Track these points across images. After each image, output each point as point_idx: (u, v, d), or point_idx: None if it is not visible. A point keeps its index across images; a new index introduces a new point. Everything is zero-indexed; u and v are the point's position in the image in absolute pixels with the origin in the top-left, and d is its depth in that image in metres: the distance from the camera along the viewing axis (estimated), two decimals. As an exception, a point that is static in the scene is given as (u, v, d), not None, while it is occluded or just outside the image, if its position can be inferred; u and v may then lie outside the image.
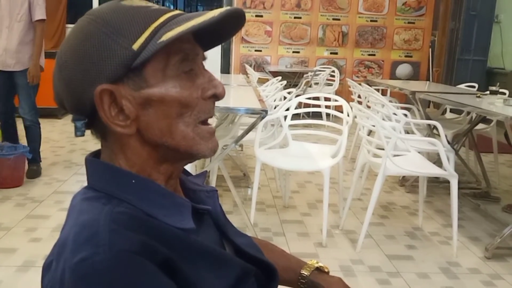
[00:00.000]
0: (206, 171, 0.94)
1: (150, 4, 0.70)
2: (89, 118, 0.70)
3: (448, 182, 2.73)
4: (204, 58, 0.74)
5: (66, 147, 4.84)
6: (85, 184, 0.72)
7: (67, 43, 0.69)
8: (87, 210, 0.65)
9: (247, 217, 2.92)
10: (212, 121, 0.74)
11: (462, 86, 5.21)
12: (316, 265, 0.95)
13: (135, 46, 0.64)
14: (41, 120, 5.74)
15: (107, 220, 0.61)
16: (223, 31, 0.73)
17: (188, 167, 0.86)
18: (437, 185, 3.91)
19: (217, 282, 0.67)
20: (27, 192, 3.50)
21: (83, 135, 0.74)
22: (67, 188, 3.60)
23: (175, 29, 0.64)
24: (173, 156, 0.70)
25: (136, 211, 0.65)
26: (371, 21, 7.48)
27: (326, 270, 0.95)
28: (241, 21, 0.71)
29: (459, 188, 2.73)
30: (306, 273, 0.93)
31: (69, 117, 0.73)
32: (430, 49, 7.61)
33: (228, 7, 0.68)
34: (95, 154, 0.74)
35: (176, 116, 0.67)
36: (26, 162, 3.78)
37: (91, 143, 0.72)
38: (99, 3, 7.05)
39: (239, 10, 0.69)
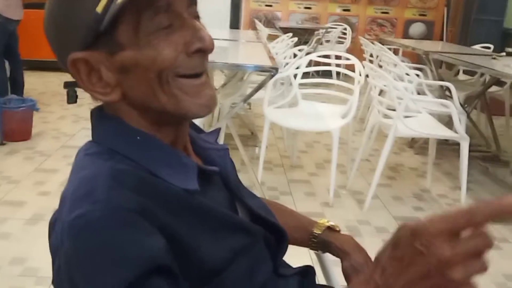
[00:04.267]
0: (219, 128, 0.90)
1: None
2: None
3: (458, 144, 2.70)
4: (192, 3, 0.66)
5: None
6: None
7: (45, 8, 0.66)
8: (88, 165, 0.63)
9: (254, 175, 2.91)
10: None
11: (477, 47, 5.08)
12: (327, 224, 0.94)
13: (99, 8, 0.59)
14: (48, 74, 5.72)
15: (106, 177, 0.59)
16: None
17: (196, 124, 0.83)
18: (446, 147, 3.87)
19: (221, 246, 0.66)
20: (35, 146, 3.51)
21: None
22: (75, 142, 3.61)
23: None
24: (166, 118, 0.66)
25: (138, 168, 0.63)
26: (385, -23, 7.26)
27: (337, 229, 0.95)
28: None
29: (469, 151, 2.69)
30: (318, 232, 0.93)
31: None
32: (446, 8, 7.40)
33: None
34: (102, 107, 0.71)
35: (156, 77, 0.62)
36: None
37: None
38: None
39: None
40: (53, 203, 0.64)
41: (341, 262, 0.88)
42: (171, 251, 0.58)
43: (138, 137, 0.66)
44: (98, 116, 0.69)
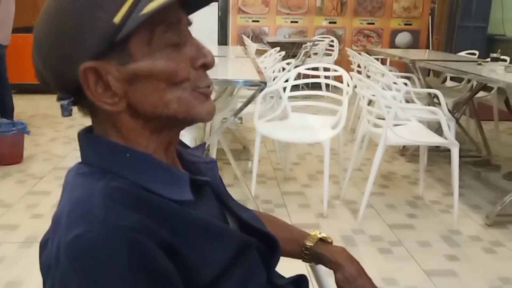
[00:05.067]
0: (205, 142, 0.91)
1: None
2: (74, 96, 0.67)
3: (449, 150, 2.72)
4: (189, 24, 0.70)
5: (64, 123, 4.81)
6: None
7: (42, 22, 0.65)
8: (80, 185, 0.63)
9: (248, 189, 2.91)
10: (211, 94, 0.72)
11: (463, 53, 5.15)
12: (319, 235, 0.94)
13: (116, 19, 0.60)
14: (37, 97, 5.73)
15: (101, 196, 0.59)
16: None
17: (187, 141, 0.84)
18: (438, 153, 3.90)
19: (217, 257, 0.66)
20: (27, 169, 3.49)
21: (70, 114, 0.72)
22: (66, 164, 3.59)
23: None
24: (169, 124, 0.68)
25: (131, 185, 0.63)
26: (370, -12, 7.36)
27: (329, 241, 0.95)
28: None
29: (460, 157, 2.72)
30: (309, 244, 0.93)
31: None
32: (430, 17, 7.51)
33: None
34: (88, 129, 0.71)
35: (167, 87, 0.65)
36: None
37: (90, 118, 0.70)
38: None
39: None
40: (46, 226, 0.64)
41: (334, 274, 0.88)
42: (173, 267, 0.58)
43: (127, 154, 0.66)
44: (85, 137, 0.69)
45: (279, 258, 0.82)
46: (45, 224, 0.63)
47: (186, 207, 0.65)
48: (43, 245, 0.63)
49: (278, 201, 3.04)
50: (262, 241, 0.77)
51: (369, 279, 0.87)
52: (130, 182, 0.63)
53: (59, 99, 0.70)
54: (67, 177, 0.69)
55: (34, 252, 2.33)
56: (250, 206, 0.88)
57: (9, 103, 4.34)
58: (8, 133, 3.52)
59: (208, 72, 0.71)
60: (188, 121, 0.69)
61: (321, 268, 0.99)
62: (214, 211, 0.74)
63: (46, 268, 0.61)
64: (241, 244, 0.71)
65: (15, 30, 4.54)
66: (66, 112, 0.72)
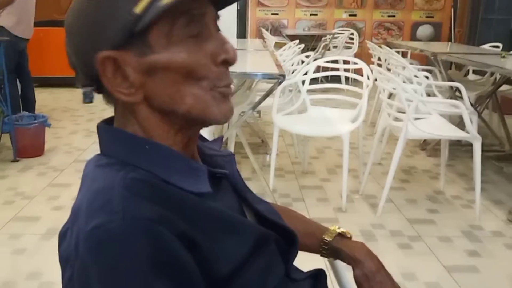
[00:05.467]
0: (222, 136, 0.91)
1: None
2: (98, 84, 0.67)
3: (471, 145, 2.67)
4: (217, 17, 0.69)
5: (84, 116, 4.86)
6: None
7: (73, 5, 0.66)
8: (100, 177, 0.63)
9: (266, 183, 2.91)
10: (231, 93, 0.71)
11: (486, 46, 5.05)
12: (338, 230, 0.93)
13: (138, 9, 0.60)
14: (58, 90, 5.81)
15: (120, 187, 0.59)
16: None
17: (206, 134, 0.83)
18: (459, 148, 3.84)
19: (235, 250, 0.65)
20: (48, 161, 3.54)
21: (91, 101, 0.72)
22: (87, 156, 3.62)
23: None
24: (185, 122, 0.67)
25: (150, 177, 0.63)
26: (390, -20, 7.26)
27: (348, 236, 0.93)
28: None
29: (482, 151, 2.66)
30: (328, 239, 0.91)
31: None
32: (452, 9, 7.37)
33: None
34: (108, 121, 0.72)
35: (184, 81, 0.64)
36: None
37: (109, 111, 0.70)
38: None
39: None
40: (67, 217, 0.64)
41: (353, 270, 0.86)
42: (192, 259, 0.58)
43: (146, 146, 0.66)
44: (104, 129, 0.69)
45: (297, 252, 0.81)
46: (65, 216, 0.63)
47: (205, 199, 0.65)
48: (62, 236, 0.63)
49: (296, 195, 3.02)
50: (279, 235, 0.77)
51: (389, 275, 0.85)
52: (149, 174, 0.63)
53: (82, 86, 0.71)
54: (86, 168, 0.69)
55: (55, 244, 2.35)
56: (268, 199, 0.87)
57: (31, 97, 4.40)
58: (30, 126, 3.58)
59: None
60: (202, 121, 0.67)
61: (340, 263, 0.98)
62: (232, 204, 0.74)
63: (65, 258, 0.61)
64: (259, 237, 0.70)
65: (37, 24, 4.60)
66: (87, 99, 0.72)
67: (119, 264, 0.54)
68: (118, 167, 0.63)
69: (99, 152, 0.70)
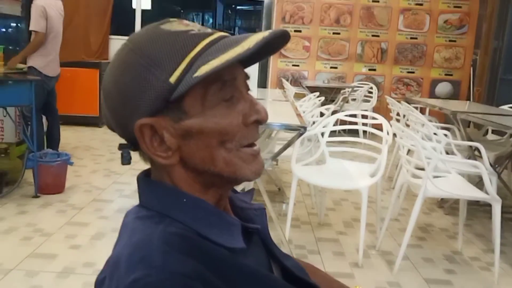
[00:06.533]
0: (254, 188, 0.94)
1: (189, 27, 0.69)
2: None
3: (489, 205, 2.65)
4: (247, 77, 0.72)
5: (106, 156, 4.95)
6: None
7: (109, 73, 0.70)
8: (140, 229, 0.66)
9: (282, 233, 2.90)
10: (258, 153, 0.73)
11: (505, 107, 5.07)
12: None
13: (172, 79, 0.64)
14: (81, 128, 5.94)
15: (160, 241, 0.62)
16: (264, 49, 0.70)
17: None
18: (477, 208, 3.80)
19: None
20: (68, 199, 3.59)
21: (129, 163, 0.75)
22: (106, 196, 3.68)
23: (210, 62, 0.63)
24: (218, 181, 0.70)
25: (187, 231, 0.65)
26: (411, 38, 7.41)
27: None
28: (285, 38, 0.69)
29: (501, 213, 2.64)
30: None
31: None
32: (472, 68, 7.46)
33: (267, 32, 0.65)
34: (146, 173, 0.75)
35: (217, 145, 0.67)
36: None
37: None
38: (142, 18, 7.23)
39: (277, 34, 0.66)
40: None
41: None
42: None
43: (184, 199, 0.69)
44: (144, 181, 0.73)
45: None
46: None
47: (238, 255, 0.67)
48: (99, 283, 0.65)
49: (312, 247, 3.01)
50: None
51: None
52: (186, 227, 0.66)
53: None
54: (126, 218, 0.72)
55: (70, 283, 2.38)
56: (284, 250, 0.88)
57: (56, 134, 4.51)
58: (53, 163, 3.65)
59: None
60: (234, 181, 0.71)
61: None
62: (262, 260, 0.76)
63: None
64: None
65: (66, 64, 4.78)
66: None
67: None
68: (157, 219, 0.66)
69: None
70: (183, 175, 0.70)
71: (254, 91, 5.80)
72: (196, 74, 0.63)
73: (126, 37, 0.72)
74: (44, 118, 4.46)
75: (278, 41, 0.70)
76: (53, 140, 4.45)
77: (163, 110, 0.66)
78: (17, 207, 3.38)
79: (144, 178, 0.73)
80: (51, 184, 3.64)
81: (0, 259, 2.57)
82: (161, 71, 0.64)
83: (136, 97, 0.66)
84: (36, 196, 3.56)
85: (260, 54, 0.71)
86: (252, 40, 0.64)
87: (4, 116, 3.93)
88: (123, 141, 0.74)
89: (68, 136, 5.60)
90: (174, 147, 0.67)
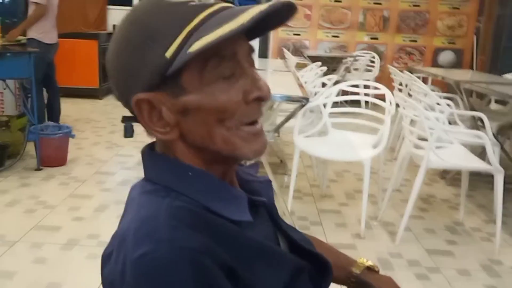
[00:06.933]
0: (259, 161, 0.93)
1: None
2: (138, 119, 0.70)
3: (491, 176, 2.65)
4: (251, 51, 0.69)
5: (107, 128, 4.94)
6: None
7: (111, 45, 0.69)
8: (146, 204, 0.65)
9: (284, 205, 2.91)
10: (261, 130, 0.71)
11: (509, 75, 5.02)
12: (367, 264, 0.94)
13: (168, 53, 0.62)
14: (82, 100, 5.93)
15: (166, 216, 0.61)
16: (269, 20, 0.66)
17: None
18: (480, 178, 3.80)
19: (272, 281, 0.67)
20: (70, 172, 3.59)
21: (131, 136, 0.75)
22: (108, 169, 3.68)
23: (204, 38, 0.60)
24: (219, 158, 0.69)
25: (193, 204, 0.64)
26: (413, 5, 7.29)
27: (376, 269, 0.94)
28: (291, 9, 0.66)
29: (504, 183, 2.64)
30: (357, 272, 0.92)
31: (110, 97, 0.74)
32: (475, 36, 7.36)
33: (265, 5, 0.61)
34: (151, 146, 0.74)
35: (215, 122, 0.65)
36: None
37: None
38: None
39: (276, 7, 0.62)
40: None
41: None
42: None
43: (189, 173, 0.68)
44: (149, 155, 0.72)
45: (330, 282, 0.82)
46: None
47: (244, 228, 0.66)
48: (106, 259, 0.65)
49: (314, 218, 3.02)
50: (312, 264, 0.78)
51: None
52: (192, 201, 0.65)
53: (123, 121, 0.74)
54: (131, 193, 0.71)
55: (74, 255, 2.40)
56: (286, 222, 0.89)
57: (56, 107, 4.49)
58: (55, 136, 3.64)
59: None
60: (233, 159, 0.69)
61: None
62: (268, 232, 0.75)
63: (109, 283, 0.63)
64: (295, 268, 0.71)
65: (64, 36, 4.71)
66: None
67: None
68: (163, 193, 0.65)
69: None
70: (185, 151, 0.69)
71: (255, 61, 5.73)
72: (190, 50, 0.61)
73: (124, 7, 0.69)
74: (44, 91, 4.43)
75: (283, 13, 0.66)
76: (54, 113, 4.44)
77: (161, 86, 0.64)
78: (19, 179, 3.39)
79: (148, 152, 0.72)
80: (53, 157, 3.64)
81: (4, 231, 2.59)
82: (158, 45, 0.63)
83: (134, 71, 0.65)
84: (38, 169, 3.56)
85: (266, 26, 0.68)
86: (250, 13, 0.61)
87: (4, 89, 3.90)
88: (126, 113, 0.73)
89: (69, 108, 5.57)
90: (172, 123, 0.66)
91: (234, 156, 0.68)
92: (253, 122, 0.68)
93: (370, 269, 0.93)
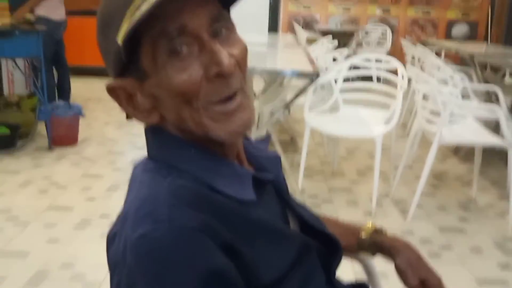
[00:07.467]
0: (270, 136, 0.92)
1: None
2: None
3: (505, 151, 2.61)
4: (215, 20, 0.62)
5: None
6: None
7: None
8: (147, 183, 0.64)
9: (295, 183, 2.91)
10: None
11: (525, 48, 4.91)
12: (374, 227, 0.96)
13: (119, 39, 0.60)
14: (92, 80, 5.93)
15: (167, 195, 0.60)
16: None
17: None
18: (493, 154, 3.75)
19: (278, 260, 0.66)
20: (82, 151, 3.61)
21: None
22: (119, 148, 3.70)
23: (130, 19, 0.58)
24: (205, 139, 0.65)
25: (196, 182, 0.63)
26: (427, -24, 7.12)
27: (383, 232, 0.96)
28: None
29: (517, 159, 2.60)
30: (366, 235, 0.94)
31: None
32: (490, 8, 7.18)
33: None
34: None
35: (182, 104, 0.62)
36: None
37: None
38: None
39: None
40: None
41: (394, 259, 0.88)
42: (234, 268, 0.59)
43: (192, 150, 0.66)
44: (152, 133, 0.70)
45: (340, 260, 0.82)
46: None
47: (248, 206, 0.65)
48: (110, 240, 0.65)
49: (325, 196, 3.02)
50: (321, 243, 0.77)
51: (429, 263, 0.89)
52: (195, 179, 0.64)
53: None
54: (134, 171, 0.70)
55: (87, 234, 2.43)
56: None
57: (66, 86, 4.49)
58: (65, 115, 3.65)
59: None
60: (211, 140, 0.65)
61: (375, 270, 1.01)
62: (276, 210, 0.74)
63: (113, 264, 0.63)
64: (302, 247, 0.71)
65: (73, 13, 4.67)
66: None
67: (164, 273, 0.55)
68: (165, 172, 0.64)
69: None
70: (174, 131, 0.67)
71: (264, 36, 5.67)
72: (117, 38, 0.59)
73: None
74: (54, 70, 4.42)
75: None
76: (64, 92, 4.44)
77: (126, 72, 0.64)
78: (32, 160, 3.41)
79: (151, 129, 0.70)
80: (64, 137, 3.65)
81: (19, 212, 2.62)
82: (111, 31, 0.61)
83: (105, 58, 0.66)
84: (50, 149, 3.58)
85: None
86: None
87: (13, 67, 3.90)
88: None
89: (79, 87, 5.57)
90: (148, 107, 0.66)
91: (209, 137, 0.64)
92: (226, 100, 0.63)
93: (377, 231, 0.95)
